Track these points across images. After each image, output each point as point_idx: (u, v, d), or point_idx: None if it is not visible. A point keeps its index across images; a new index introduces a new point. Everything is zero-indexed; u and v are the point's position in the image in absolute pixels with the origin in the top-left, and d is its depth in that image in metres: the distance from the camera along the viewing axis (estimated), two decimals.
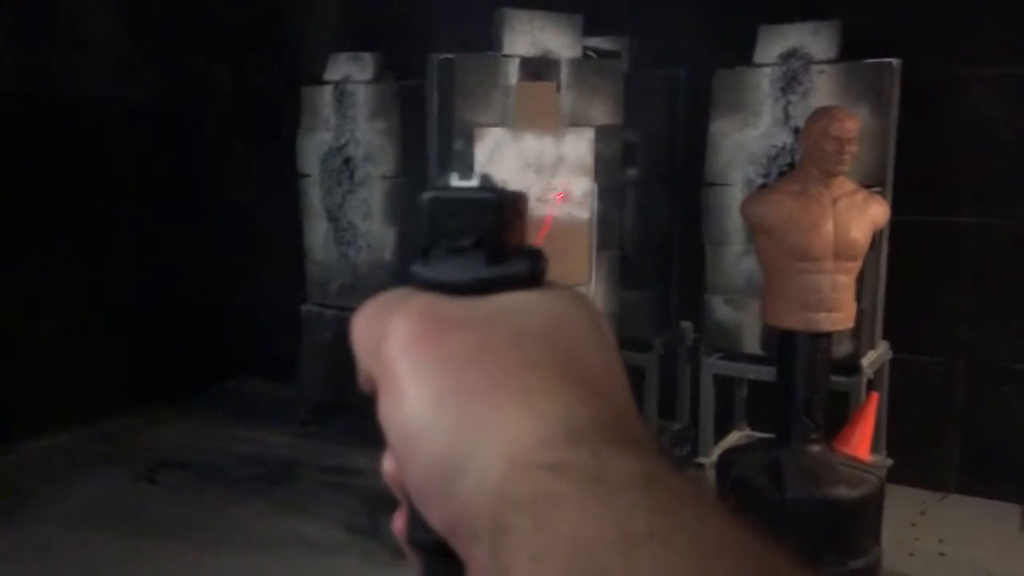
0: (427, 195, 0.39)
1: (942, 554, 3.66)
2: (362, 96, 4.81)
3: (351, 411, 4.96)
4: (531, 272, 0.37)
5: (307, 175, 5.00)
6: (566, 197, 3.57)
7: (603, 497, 0.29)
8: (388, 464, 0.38)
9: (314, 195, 4.99)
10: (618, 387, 0.36)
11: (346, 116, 4.85)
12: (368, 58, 4.81)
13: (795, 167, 3.52)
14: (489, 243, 0.37)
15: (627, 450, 0.31)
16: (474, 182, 0.46)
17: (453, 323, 0.35)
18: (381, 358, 0.36)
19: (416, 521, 0.36)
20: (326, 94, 4.89)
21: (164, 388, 5.37)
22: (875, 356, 3.87)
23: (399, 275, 4.79)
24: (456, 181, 0.52)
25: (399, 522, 0.38)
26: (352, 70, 4.83)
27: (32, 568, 3.55)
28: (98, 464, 4.54)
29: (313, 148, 4.96)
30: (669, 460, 0.33)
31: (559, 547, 0.29)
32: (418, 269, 0.38)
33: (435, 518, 0.34)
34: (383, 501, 3.98)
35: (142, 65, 5.38)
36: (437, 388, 0.34)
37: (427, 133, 3.83)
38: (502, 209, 0.38)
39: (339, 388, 4.99)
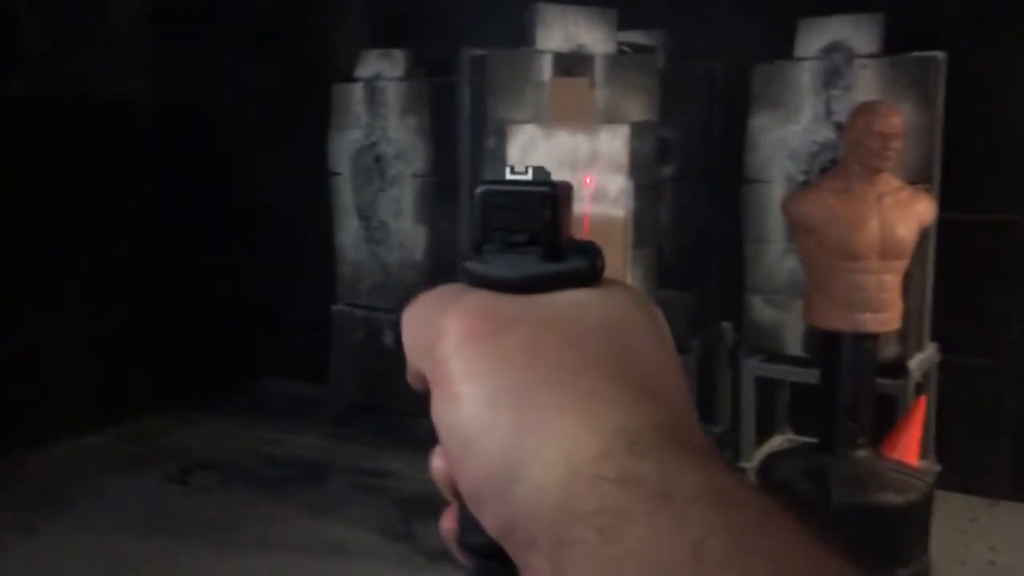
0: (480, 188, 0.38)
1: (993, 562, 3.59)
2: (393, 93, 4.77)
3: (382, 412, 4.93)
4: (589, 269, 0.37)
5: (338, 173, 4.98)
6: (593, 182, 3.50)
7: (673, 515, 0.29)
8: (437, 462, 0.37)
9: (345, 194, 4.97)
10: (677, 390, 0.35)
11: (377, 114, 4.82)
12: (399, 55, 4.77)
13: (837, 164, 3.43)
14: (545, 238, 0.36)
15: (692, 461, 0.31)
16: (528, 174, 0.43)
17: (509, 322, 0.35)
18: (434, 356, 0.35)
19: (467, 522, 0.35)
20: (357, 91, 4.87)
21: (195, 389, 5.37)
22: (923, 358, 3.80)
23: (431, 274, 4.75)
24: (510, 174, 0.48)
25: (447, 522, 0.38)
26: (383, 67, 4.80)
27: (63, 568, 3.56)
28: (129, 465, 4.56)
29: (344, 146, 4.94)
30: (735, 469, 0.31)
31: (629, 565, 0.28)
32: (472, 265, 0.37)
33: (489, 521, 0.33)
34: (416, 504, 3.94)
35: (170, 64, 5.38)
36: (493, 389, 0.33)
37: (459, 130, 3.79)
38: (557, 202, 0.37)
39: (370, 389, 4.97)
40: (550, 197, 0.37)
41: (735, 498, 0.30)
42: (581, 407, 0.32)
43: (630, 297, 0.37)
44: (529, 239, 0.36)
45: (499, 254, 0.37)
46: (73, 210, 4.91)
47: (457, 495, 0.36)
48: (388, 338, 4.88)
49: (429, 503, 4.11)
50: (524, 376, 0.33)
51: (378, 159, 4.84)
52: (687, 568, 0.28)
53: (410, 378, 0.38)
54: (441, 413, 0.35)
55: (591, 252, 0.37)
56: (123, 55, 5.17)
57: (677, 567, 0.28)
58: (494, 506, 0.33)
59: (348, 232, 4.99)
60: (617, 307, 0.36)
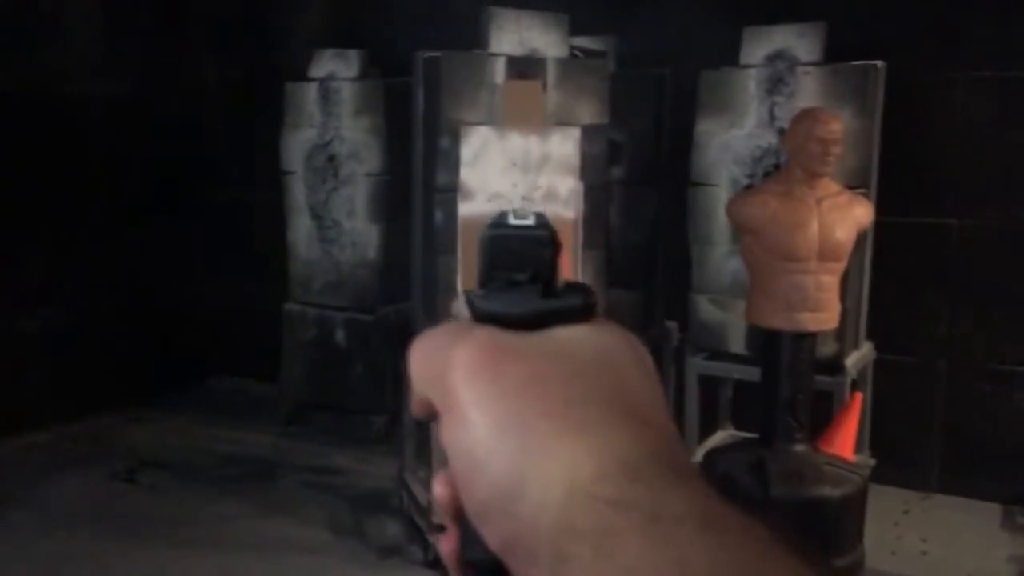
0: (487, 232, 0.41)
1: (924, 553, 3.70)
2: (347, 93, 4.79)
3: (333, 410, 4.93)
4: (584, 306, 0.39)
5: (291, 172, 4.98)
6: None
7: (661, 535, 0.31)
8: (439, 487, 0.39)
9: (298, 192, 4.97)
10: (664, 420, 0.38)
11: (331, 113, 4.83)
12: (353, 55, 4.79)
13: (780, 168, 3.53)
14: (544, 278, 0.39)
15: (679, 485, 0.33)
16: (529, 220, 0.49)
17: (514, 355, 0.37)
18: (445, 386, 0.38)
19: (470, 539, 0.38)
20: (311, 91, 4.87)
21: (145, 387, 5.33)
22: (859, 356, 3.90)
23: (383, 273, 4.77)
24: (512, 219, 0.53)
25: (447, 543, 0.40)
26: (337, 67, 4.81)
27: (9, 567, 3.52)
28: (77, 463, 4.51)
29: (297, 145, 4.93)
30: (717, 492, 0.34)
31: None
32: (478, 301, 0.40)
33: (493, 537, 0.36)
34: (367, 501, 3.97)
35: (125, 61, 5.34)
36: (500, 415, 0.36)
37: (413, 131, 3.82)
38: (555, 246, 0.40)
39: (321, 387, 4.97)
40: (550, 241, 0.40)
41: (716, 518, 0.32)
42: (580, 434, 0.35)
43: (619, 334, 0.40)
44: (530, 278, 0.39)
45: (502, 291, 0.39)
46: (22, 206, 4.84)
47: (459, 516, 0.38)
48: (339, 337, 4.89)
49: (379, 500, 4.14)
50: (528, 404, 0.36)
51: (331, 158, 4.85)
52: None
53: (415, 406, 0.41)
54: (451, 437, 0.37)
55: (585, 291, 0.40)
56: (78, 52, 5.12)
57: None
58: (498, 522, 0.35)
59: (300, 231, 4.99)
60: (609, 343, 0.39)
